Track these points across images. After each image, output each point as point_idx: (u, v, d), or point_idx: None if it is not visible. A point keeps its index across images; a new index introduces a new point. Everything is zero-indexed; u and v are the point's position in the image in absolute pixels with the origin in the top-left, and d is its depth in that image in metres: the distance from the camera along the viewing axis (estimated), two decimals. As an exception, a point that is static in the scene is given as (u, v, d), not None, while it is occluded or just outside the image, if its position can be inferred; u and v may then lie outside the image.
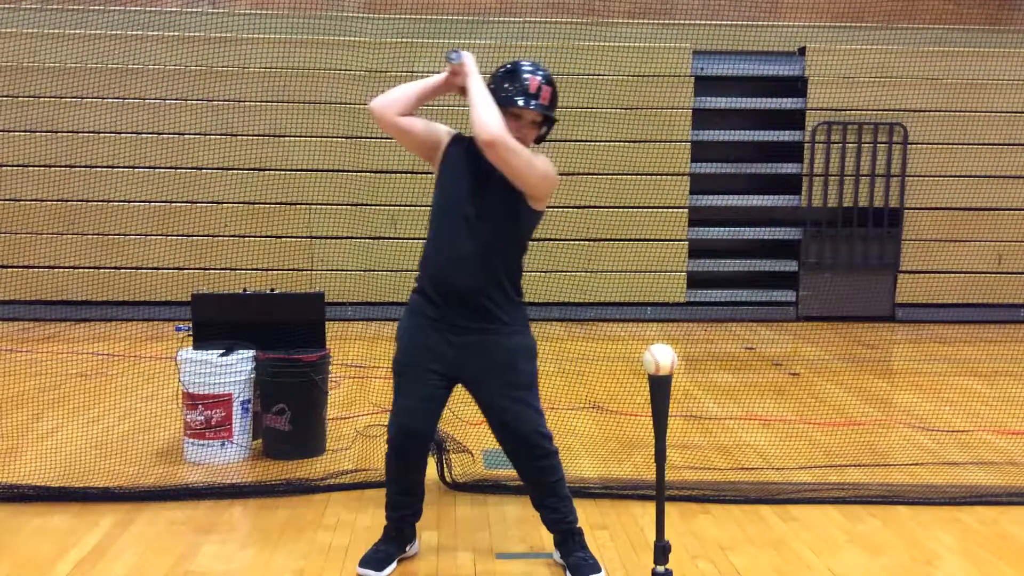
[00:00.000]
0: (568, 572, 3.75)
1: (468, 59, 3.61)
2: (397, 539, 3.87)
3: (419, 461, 3.84)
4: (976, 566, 3.98)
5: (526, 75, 3.58)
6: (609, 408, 6.16)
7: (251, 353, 5.22)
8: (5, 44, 9.67)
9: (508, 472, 4.87)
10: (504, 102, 3.53)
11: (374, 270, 9.92)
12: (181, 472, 4.99)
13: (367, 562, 3.78)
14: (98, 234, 9.91)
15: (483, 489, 4.74)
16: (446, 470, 4.82)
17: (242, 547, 4.10)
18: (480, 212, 3.58)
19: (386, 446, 3.85)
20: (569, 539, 3.80)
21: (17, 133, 9.83)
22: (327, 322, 5.49)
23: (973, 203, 10.39)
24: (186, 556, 3.95)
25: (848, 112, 10.44)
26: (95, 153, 9.88)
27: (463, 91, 3.63)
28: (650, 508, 3.72)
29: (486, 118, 3.44)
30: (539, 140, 3.68)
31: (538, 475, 3.76)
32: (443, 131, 3.73)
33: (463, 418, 5.68)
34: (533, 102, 3.54)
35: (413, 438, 3.76)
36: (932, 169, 10.40)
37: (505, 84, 3.58)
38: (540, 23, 9.68)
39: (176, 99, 9.92)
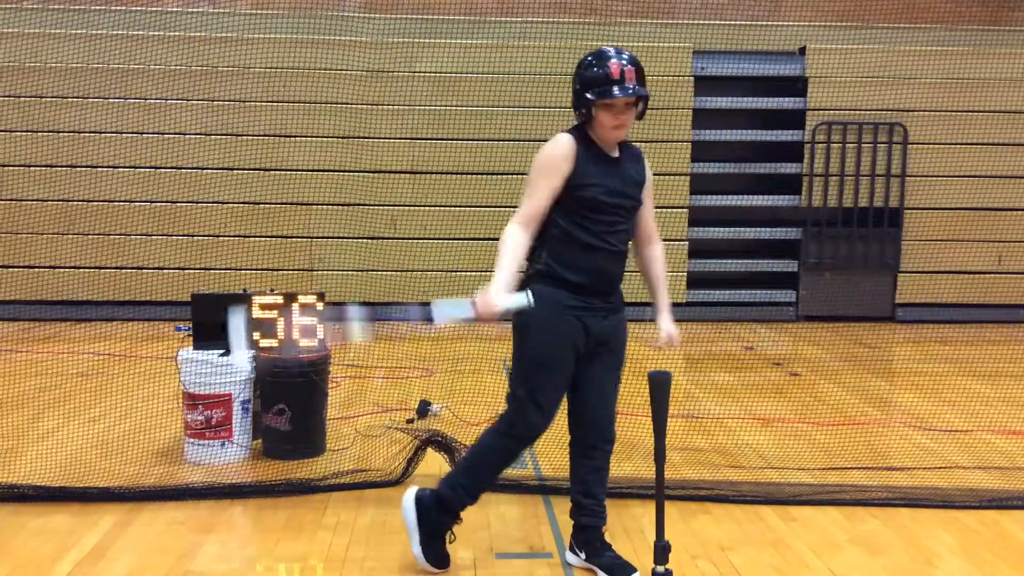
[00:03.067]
0: (602, 572, 3.75)
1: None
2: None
3: None
4: (976, 566, 3.99)
5: (612, 64, 3.56)
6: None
7: (251, 353, 5.22)
8: (7, 44, 9.69)
9: (509, 472, 4.88)
10: (599, 96, 3.54)
11: (374, 270, 9.93)
12: (181, 472, 4.99)
13: (446, 560, 3.81)
14: (100, 234, 9.92)
15: (501, 488, 4.73)
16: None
17: (242, 547, 4.10)
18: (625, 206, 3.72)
19: (514, 440, 3.76)
20: (598, 538, 3.80)
21: (19, 133, 9.84)
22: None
23: (973, 203, 10.40)
24: (186, 556, 3.96)
25: (848, 112, 10.44)
26: (97, 153, 9.89)
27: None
28: (650, 508, 3.72)
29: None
30: (639, 117, 3.69)
31: (602, 461, 3.80)
32: (556, 167, 3.58)
33: (463, 418, 5.70)
34: (620, 90, 3.53)
35: (543, 429, 3.74)
36: (932, 169, 10.40)
37: (592, 77, 3.56)
38: (541, 23, 9.69)
39: (178, 99, 9.93)
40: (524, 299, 3.47)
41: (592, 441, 3.78)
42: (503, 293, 3.43)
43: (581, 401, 3.76)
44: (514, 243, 3.53)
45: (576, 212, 3.57)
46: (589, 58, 3.61)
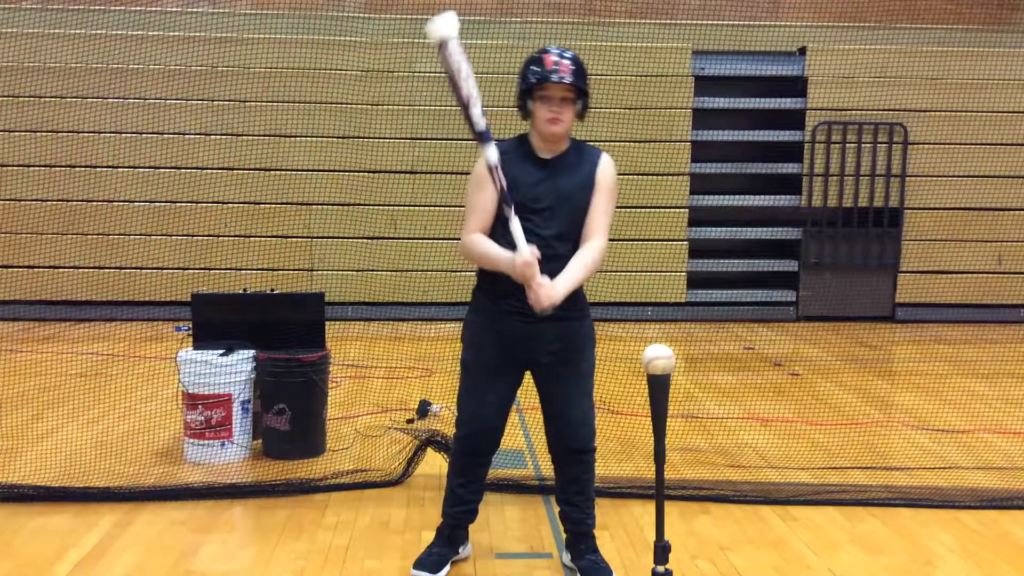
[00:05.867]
0: (579, 575, 3.75)
1: (555, 293, 3.47)
2: (451, 540, 3.86)
3: (488, 456, 3.84)
4: (976, 566, 3.99)
5: (547, 56, 3.58)
6: (609, 408, 6.16)
7: (251, 353, 5.22)
8: (7, 44, 9.67)
9: (509, 471, 4.89)
10: (538, 81, 3.54)
11: (374, 270, 9.93)
12: (181, 472, 4.99)
13: (423, 564, 3.77)
14: (100, 234, 9.92)
15: (501, 488, 4.74)
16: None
17: (242, 547, 4.10)
18: (549, 211, 3.59)
19: (455, 440, 3.85)
20: (582, 541, 3.79)
21: (19, 133, 9.83)
22: (327, 322, 5.49)
23: (973, 203, 10.39)
24: (186, 556, 3.96)
25: (848, 112, 10.43)
26: (97, 153, 9.89)
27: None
28: (650, 508, 3.72)
29: (594, 267, 3.64)
30: (580, 116, 3.64)
31: (575, 469, 3.76)
32: (488, 184, 3.55)
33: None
34: (554, 76, 3.52)
35: (489, 433, 3.75)
36: (932, 169, 10.40)
37: (529, 69, 3.58)
38: (540, 23, 9.68)
39: (177, 99, 9.92)
40: None
41: (563, 450, 3.77)
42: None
43: (546, 412, 3.77)
44: (483, 239, 3.58)
45: (499, 215, 3.58)
46: (532, 55, 3.64)
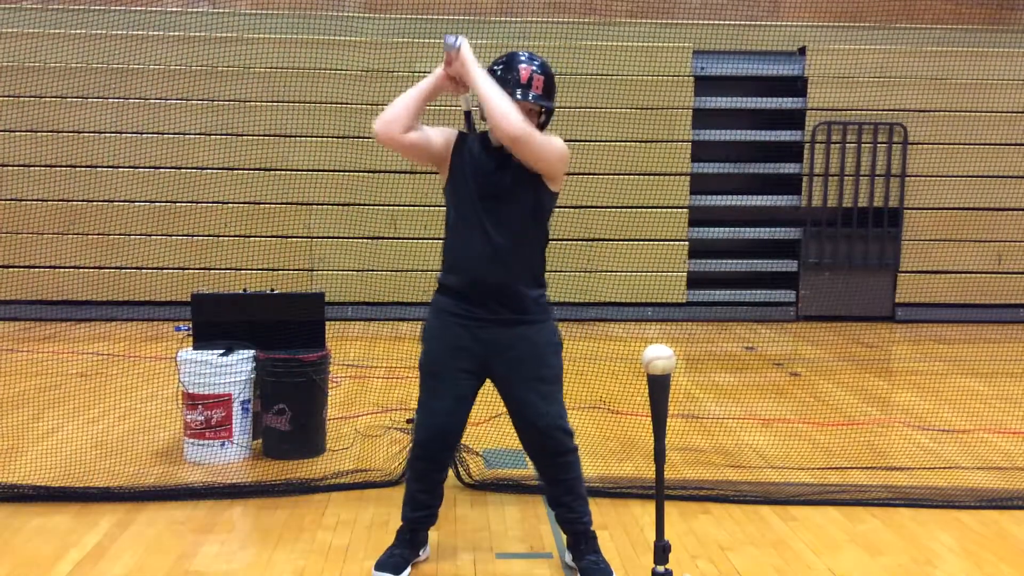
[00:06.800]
0: (580, 575, 3.75)
1: (465, 45, 3.53)
2: (411, 542, 3.84)
3: (444, 461, 3.82)
4: (976, 566, 3.99)
5: (519, 65, 3.56)
6: (609, 408, 6.17)
7: (251, 353, 5.22)
8: (7, 44, 9.68)
9: (509, 471, 4.89)
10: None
11: (374, 270, 9.93)
12: (181, 472, 5.00)
13: (383, 566, 3.75)
14: (100, 234, 9.92)
15: (501, 488, 4.74)
16: (462, 471, 4.82)
17: (242, 547, 4.10)
18: (504, 205, 3.57)
19: (411, 445, 3.84)
20: (582, 541, 3.77)
21: (20, 133, 9.84)
22: (327, 322, 5.49)
23: (973, 203, 10.40)
24: (186, 556, 3.96)
25: (848, 112, 10.44)
26: (97, 153, 9.89)
27: (458, 84, 3.59)
28: (650, 508, 3.72)
29: (507, 113, 3.40)
30: (542, 127, 3.63)
31: (557, 472, 3.74)
32: (449, 134, 3.69)
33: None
34: (530, 94, 3.53)
35: (442, 439, 3.73)
36: (932, 169, 10.41)
37: (501, 78, 3.55)
38: (540, 23, 9.69)
39: (178, 99, 9.93)
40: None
41: (537, 456, 3.76)
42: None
43: (514, 422, 3.74)
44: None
45: (451, 204, 3.64)
46: (501, 58, 3.62)
